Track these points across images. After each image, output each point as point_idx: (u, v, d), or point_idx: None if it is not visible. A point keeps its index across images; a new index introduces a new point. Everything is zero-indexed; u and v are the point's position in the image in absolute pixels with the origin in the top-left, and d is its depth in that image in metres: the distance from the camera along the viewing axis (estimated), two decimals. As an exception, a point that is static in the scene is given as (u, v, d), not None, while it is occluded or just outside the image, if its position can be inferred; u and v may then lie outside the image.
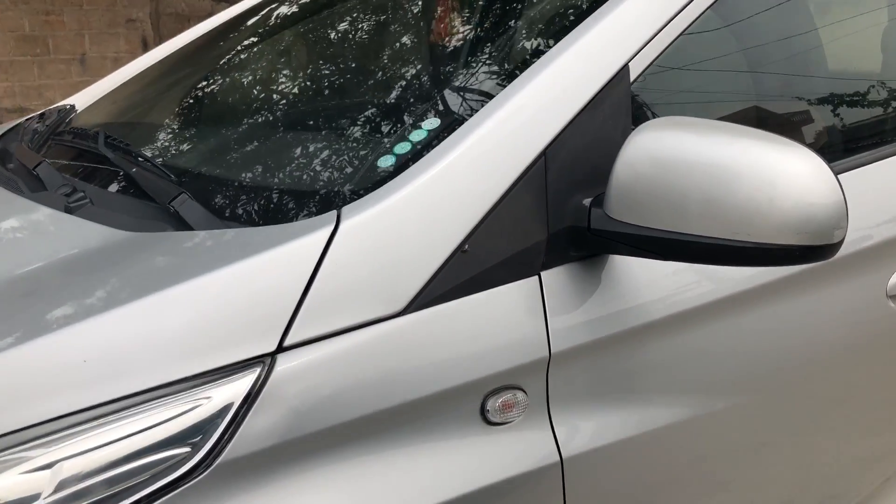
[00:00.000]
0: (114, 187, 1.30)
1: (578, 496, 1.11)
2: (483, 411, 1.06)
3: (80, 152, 1.48)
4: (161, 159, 1.36)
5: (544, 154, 1.07)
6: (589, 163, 1.13)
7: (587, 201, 1.11)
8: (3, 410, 0.84)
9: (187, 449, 0.88)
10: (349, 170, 1.17)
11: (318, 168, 1.22)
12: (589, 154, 1.12)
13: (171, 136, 1.53)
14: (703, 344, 1.23)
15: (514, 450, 1.07)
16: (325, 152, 1.26)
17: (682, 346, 1.21)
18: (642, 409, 1.18)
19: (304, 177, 1.21)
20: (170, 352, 0.91)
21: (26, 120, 1.86)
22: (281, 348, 0.94)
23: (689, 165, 0.97)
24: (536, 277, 1.10)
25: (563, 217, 1.11)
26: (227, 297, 0.93)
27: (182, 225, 1.10)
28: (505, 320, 1.06)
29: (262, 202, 1.14)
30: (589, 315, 1.11)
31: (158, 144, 1.49)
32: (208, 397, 0.90)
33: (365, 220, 1.00)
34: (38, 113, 1.84)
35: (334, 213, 1.00)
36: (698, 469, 1.26)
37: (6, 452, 0.82)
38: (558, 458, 1.10)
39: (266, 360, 0.93)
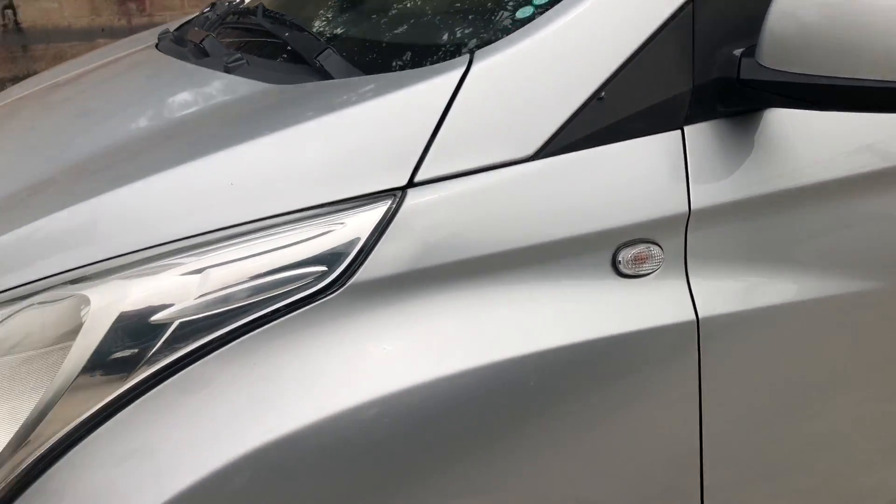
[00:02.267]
0: (269, 51, 1.36)
1: (713, 359, 1.08)
2: (615, 262, 1.04)
3: (244, 28, 1.56)
4: (312, 24, 1.42)
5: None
6: (743, 10, 1.06)
7: (738, 52, 1.05)
8: (160, 222, 0.92)
9: (323, 268, 0.92)
10: (483, 17, 1.16)
11: (451, 16, 1.22)
12: (743, 1, 1.05)
13: (322, 6, 1.57)
14: (867, 213, 1.14)
15: (646, 303, 1.05)
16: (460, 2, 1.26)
17: (843, 214, 1.13)
18: (791, 278, 1.12)
19: (439, 25, 1.22)
20: (308, 179, 0.95)
21: (201, 12, 1.99)
22: (411, 183, 0.96)
23: (866, 8, 0.90)
24: (679, 131, 1.06)
25: (710, 68, 1.05)
26: (362, 132, 0.96)
27: (327, 78, 1.14)
28: (642, 172, 1.03)
29: (398, 52, 1.16)
30: (734, 173, 1.06)
31: (310, 13, 1.54)
32: (342, 223, 0.94)
33: (497, 62, 0.99)
34: (210, 3, 1.96)
35: (467, 56, 1.00)
36: (845, 348, 1.18)
37: (164, 259, 0.90)
38: (694, 317, 1.07)
39: (397, 194, 0.95)
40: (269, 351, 0.90)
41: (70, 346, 0.87)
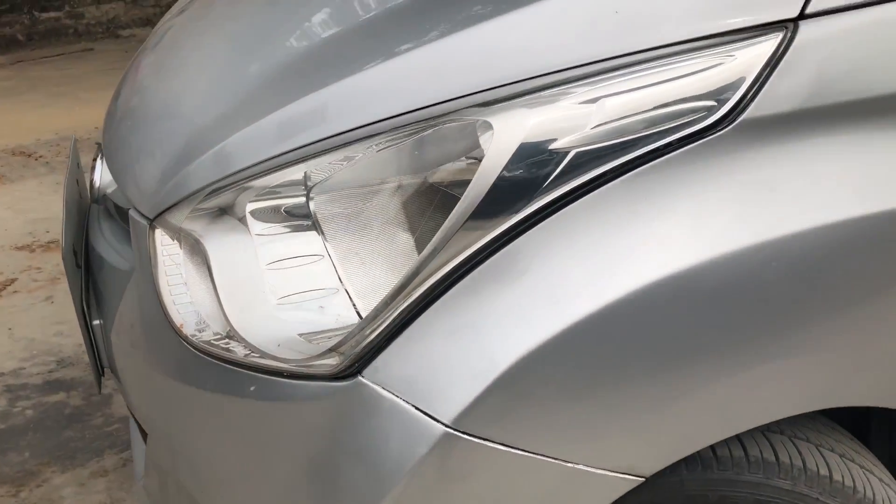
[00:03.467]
0: None
1: None
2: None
3: None
4: None
5: None
6: None
7: None
8: (550, 50, 0.89)
9: (713, 103, 0.88)
10: None
11: None
12: None
13: None
14: None
15: None
16: None
17: None
18: None
19: None
20: (695, 8, 0.90)
21: None
22: (802, 15, 0.89)
23: None
24: None
25: None
26: None
27: None
28: None
29: None
30: None
31: None
32: (732, 56, 0.89)
33: None
34: None
35: None
36: None
37: (559, 87, 0.87)
38: None
39: (788, 26, 0.89)
40: (661, 186, 0.88)
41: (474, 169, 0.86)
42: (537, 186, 0.87)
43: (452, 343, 0.87)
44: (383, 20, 1.08)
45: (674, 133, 0.88)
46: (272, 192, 1.01)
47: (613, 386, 0.88)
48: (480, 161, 0.87)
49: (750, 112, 0.88)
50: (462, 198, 0.86)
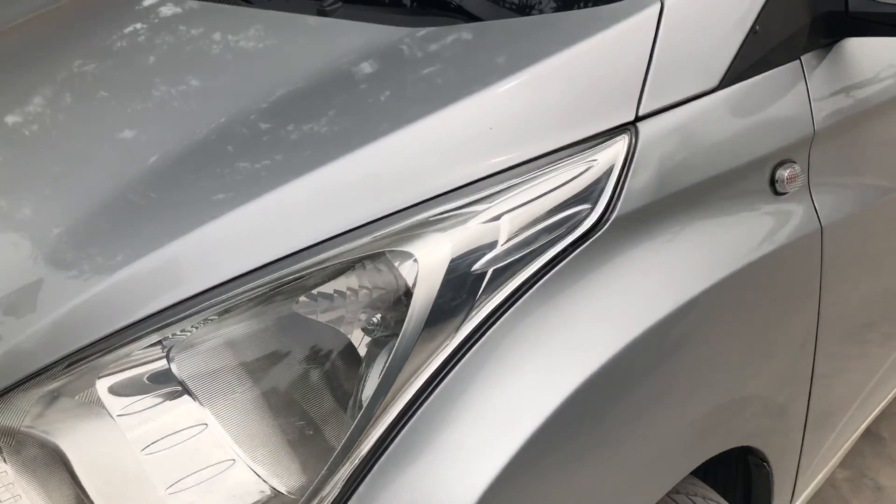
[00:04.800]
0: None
1: (833, 259, 1.25)
2: (772, 182, 1.15)
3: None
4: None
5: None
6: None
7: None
8: (436, 172, 0.88)
9: (589, 206, 0.94)
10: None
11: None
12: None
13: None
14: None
15: (792, 217, 1.18)
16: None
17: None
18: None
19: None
20: (552, 122, 0.96)
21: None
22: (637, 118, 1.00)
23: None
24: (798, 61, 1.19)
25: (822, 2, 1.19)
26: (588, 70, 0.98)
27: (473, 19, 1.12)
28: (783, 99, 1.15)
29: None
30: (844, 93, 1.21)
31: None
32: (595, 160, 0.96)
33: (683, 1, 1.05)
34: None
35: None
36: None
37: (461, 209, 0.87)
38: (818, 226, 1.22)
39: (630, 129, 0.99)
40: (564, 292, 0.91)
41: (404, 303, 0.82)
42: (466, 311, 0.85)
43: (405, 497, 0.81)
44: (239, 143, 0.97)
45: (565, 238, 0.91)
46: (124, 360, 0.86)
47: (569, 496, 0.88)
48: (403, 294, 0.83)
49: (619, 210, 0.96)
50: (400, 335, 0.81)
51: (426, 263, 0.83)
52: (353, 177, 0.88)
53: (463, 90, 0.93)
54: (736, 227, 1.09)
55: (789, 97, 1.17)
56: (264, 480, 0.83)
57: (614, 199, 0.95)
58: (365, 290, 0.84)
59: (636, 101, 0.99)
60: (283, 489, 0.85)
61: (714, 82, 1.07)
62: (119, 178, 0.95)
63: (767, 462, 1.27)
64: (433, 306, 0.82)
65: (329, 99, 0.99)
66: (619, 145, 0.97)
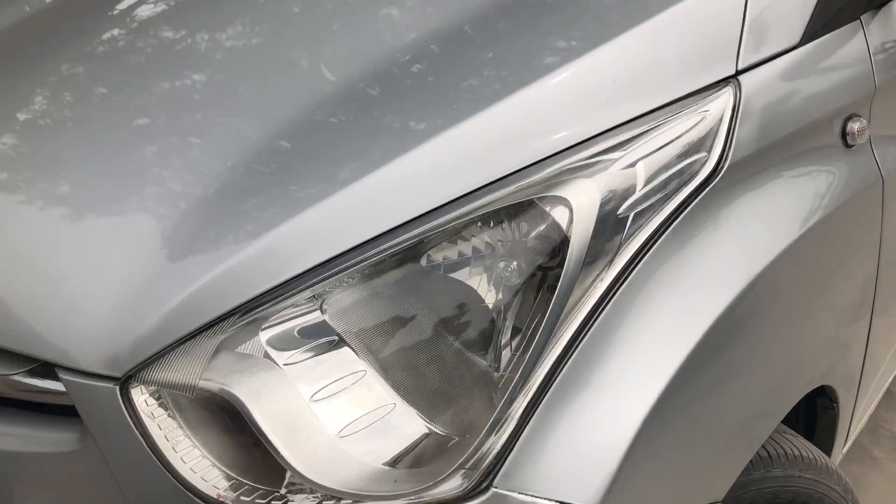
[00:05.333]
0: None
1: (892, 208, 1.32)
2: (844, 135, 1.22)
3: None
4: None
5: None
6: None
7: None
8: (569, 122, 0.92)
9: (705, 154, 0.99)
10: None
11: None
12: None
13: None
14: None
15: (859, 169, 1.26)
16: None
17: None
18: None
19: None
20: (666, 75, 1.00)
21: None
22: (738, 71, 1.06)
23: None
24: (859, 21, 1.26)
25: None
26: (693, 28, 1.03)
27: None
28: (850, 57, 1.23)
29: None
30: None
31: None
32: (707, 111, 1.01)
33: None
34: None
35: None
36: None
37: (600, 157, 0.91)
38: (880, 177, 1.30)
39: (732, 82, 1.04)
40: (692, 233, 0.96)
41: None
42: (613, 253, 0.89)
43: (573, 428, 0.86)
44: (385, 101, 1.00)
45: (689, 184, 0.96)
46: (284, 313, 0.89)
47: (709, 427, 0.94)
48: (558, 238, 0.87)
49: (731, 159, 1.01)
50: (561, 276, 0.85)
51: (579, 206, 0.87)
52: (496, 129, 0.91)
53: (587, 44, 0.97)
54: (818, 177, 1.16)
55: (854, 54, 1.24)
56: (426, 422, 0.87)
57: (727, 148, 1.00)
58: (518, 236, 0.87)
59: (735, 55, 1.05)
60: (442, 431, 0.88)
61: (796, 39, 1.13)
62: (275, 125, 0.97)
63: (837, 403, 1.34)
64: (588, 248, 0.86)
65: (471, 51, 1.03)
66: (726, 97, 1.02)
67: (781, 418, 1.09)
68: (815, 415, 1.41)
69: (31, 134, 1.09)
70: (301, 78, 1.06)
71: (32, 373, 0.96)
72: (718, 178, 0.99)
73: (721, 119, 1.01)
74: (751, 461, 1.12)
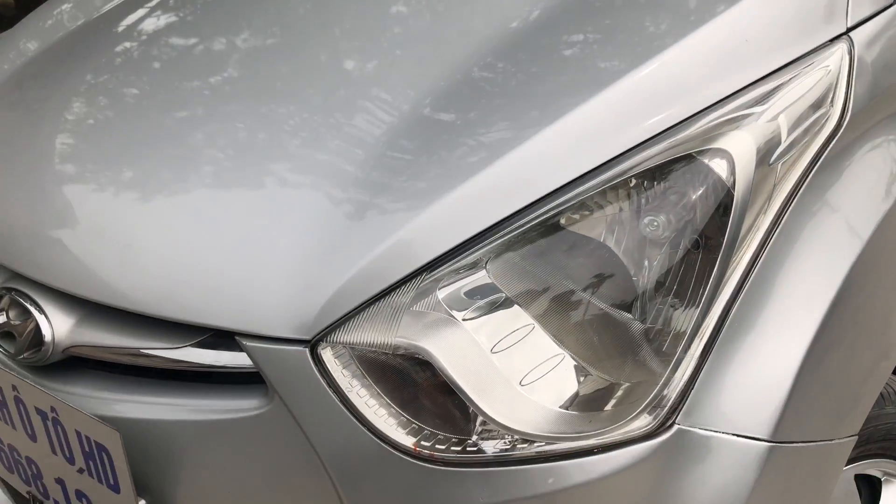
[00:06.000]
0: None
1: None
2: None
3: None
4: None
5: None
6: None
7: None
8: (711, 81, 0.97)
9: (829, 106, 1.05)
10: None
11: None
12: None
13: None
14: None
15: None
16: None
17: None
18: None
19: None
20: (790, 34, 1.06)
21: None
22: (849, 28, 1.11)
23: None
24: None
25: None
26: None
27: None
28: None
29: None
30: None
31: None
32: (828, 66, 1.06)
33: None
34: None
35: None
36: None
37: (748, 111, 0.96)
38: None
39: (846, 38, 1.10)
40: (830, 181, 1.02)
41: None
42: (766, 202, 0.94)
43: (743, 365, 0.91)
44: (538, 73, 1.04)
45: (820, 134, 1.02)
46: (454, 276, 0.93)
47: (850, 360, 0.99)
48: (724, 190, 0.92)
49: (851, 110, 1.06)
50: (727, 230, 0.90)
51: (739, 156, 0.92)
52: (646, 90, 0.96)
53: (720, 6, 1.02)
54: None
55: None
56: (595, 371, 0.92)
57: (847, 101, 1.05)
58: (678, 189, 0.92)
59: (845, 13, 1.10)
60: (609, 378, 0.93)
61: (892, -2, 1.18)
62: (430, 92, 1.01)
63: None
64: (749, 197, 0.91)
65: (615, 15, 1.07)
66: (841, 52, 1.08)
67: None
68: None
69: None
70: (459, 40, 1.10)
71: (201, 345, 0.99)
72: (843, 129, 1.04)
73: (839, 74, 1.06)
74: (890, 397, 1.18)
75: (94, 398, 1.05)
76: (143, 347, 1.03)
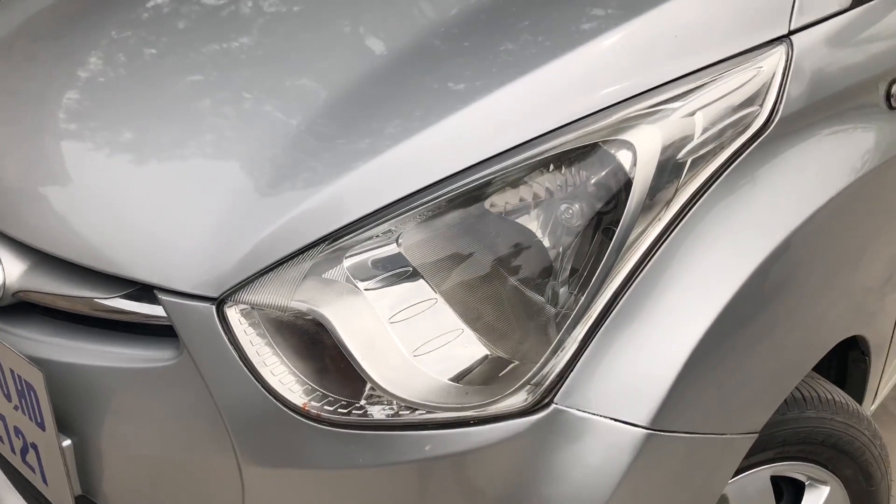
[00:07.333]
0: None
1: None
2: (888, 97, 1.28)
3: None
4: None
5: None
6: None
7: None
8: (633, 73, 0.99)
9: (757, 107, 1.05)
10: None
11: None
12: None
13: None
14: None
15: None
16: None
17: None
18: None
19: None
20: (723, 32, 1.06)
21: None
22: (790, 31, 1.11)
23: None
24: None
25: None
26: None
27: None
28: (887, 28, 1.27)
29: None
30: None
31: None
32: (761, 67, 1.07)
33: None
34: None
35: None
36: None
37: (662, 106, 0.97)
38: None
39: (785, 41, 1.10)
40: (743, 181, 1.03)
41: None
42: (671, 195, 0.96)
43: (628, 352, 0.93)
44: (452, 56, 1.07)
45: (742, 134, 1.03)
46: (362, 246, 0.96)
47: (750, 359, 1.01)
48: (621, 178, 0.94)
49: (781, 112, 1.07)
50: (622, 217, 0.92)
51: (643, 149, 0.94)
52: (564, 79, 0.98)
53: (653, 1, 1.03)
54: (861, 135, 1.22)
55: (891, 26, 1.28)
56: (490, 347, 0.95)
57: (778, 102, 1.06)
58: (581, 180, 0.94)
59: (789, 16, 1.10)
60: (504, 354, 0.96)
61: (847, 3, 1.18)
62: (360, 70, 1.04)
63: (868, 356, 1.40)
64: (648, 190, 0.93)
65: (538, 9, 1.09)
66: (779, 55, 1.08)
67: (817, 359, 1.16)
68: (846, 369, 1.47)
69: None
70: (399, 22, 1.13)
71: (129, 297, 1.04)
72: (769, 130, 1.05)
73: (773, 75, 1.07)
74: (786, 401, 1.19)
75: (29, 340, 1.11)
76: (79, 296, 1.08)
